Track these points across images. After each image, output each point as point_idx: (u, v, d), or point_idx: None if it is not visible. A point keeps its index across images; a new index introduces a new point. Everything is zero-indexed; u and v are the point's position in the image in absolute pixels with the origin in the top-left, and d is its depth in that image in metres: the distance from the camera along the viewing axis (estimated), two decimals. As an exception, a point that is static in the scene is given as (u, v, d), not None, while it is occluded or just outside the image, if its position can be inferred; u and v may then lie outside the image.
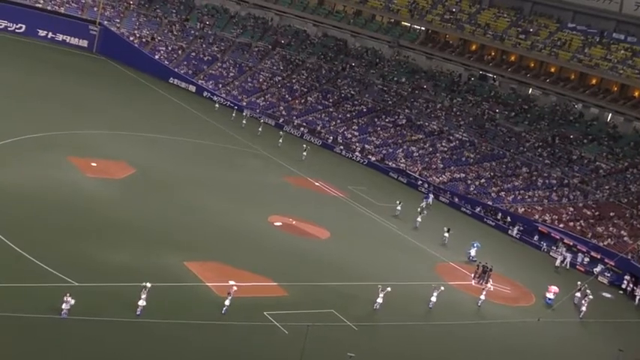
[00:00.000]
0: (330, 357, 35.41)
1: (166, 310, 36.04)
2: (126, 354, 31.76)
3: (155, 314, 34.91)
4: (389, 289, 42.67)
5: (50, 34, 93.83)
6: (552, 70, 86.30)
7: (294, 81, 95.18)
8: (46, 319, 32.32)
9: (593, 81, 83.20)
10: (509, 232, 66.85)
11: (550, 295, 52.15)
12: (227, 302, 37.34)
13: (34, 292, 34.54)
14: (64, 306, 32.60)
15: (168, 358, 32.41)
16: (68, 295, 32.78)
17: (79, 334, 32.19)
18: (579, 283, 54.11)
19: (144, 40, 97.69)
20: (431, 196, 69.99)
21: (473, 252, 56.69)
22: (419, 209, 62.91)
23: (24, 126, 58.18)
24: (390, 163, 78.98)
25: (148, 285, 34.82)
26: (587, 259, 62.56)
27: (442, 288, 45.58)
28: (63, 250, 39.51)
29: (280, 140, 75.47)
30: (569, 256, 62.48)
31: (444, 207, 70.87)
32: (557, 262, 61.36)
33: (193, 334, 34.89)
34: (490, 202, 71.35)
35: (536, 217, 68.34)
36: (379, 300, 42.40)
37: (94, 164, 54.64)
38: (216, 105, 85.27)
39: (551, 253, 63.76)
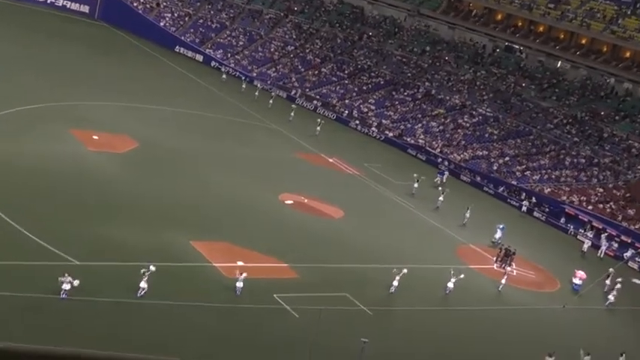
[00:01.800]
0: (343, 342, 35.58)
1: (171, 291, 36.29)
2: (127, 335, 32.01)
3: (159, 295, 35.16)
4: (405, 270, 42.73)
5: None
6: (583, 41, 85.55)
7: (307, 51, 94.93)
8: (44, 299, 32.67)
9: (627, 54, 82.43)
10: (522, 207, 67.64)
11: (577, 281, 52.09)
12: (239, 284, 37.51)
13: (33, 270, 34.87)
14: (63, 286, 32.85)
15: (171, 340, 32.68)
16: (67, 275, 33.04)
17: (79, 315, 32.52)
18: (611, 270, 53.72)
19: (148, 6, 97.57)
20: (446, 172, 69.90)
21: (498, 234, 56.65)
22: (439, 188, 62.84)
23: (22, 97, 58.38)
24: (408, 140, 78.82)
25: (152, 268, 35.00)
26: (615, 245, 62.40)
27: (462, 275, 45.45)
28: (63, 227, 39.82)
29: (292, 114, 75.41)
30: (604, 245, 62.00)
31: (465, 186, 70.77)
32: (585, 247, 61.11)
33: (199, 316, 35.15)
34: (514, 182, 71.19)
35: (563, 198, 68.18)
36: (395, 283, 42.51)
37: (95, 137, 54.87)
38: (224, 75, 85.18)
39: (578, 237, 63.60)
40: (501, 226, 57.21)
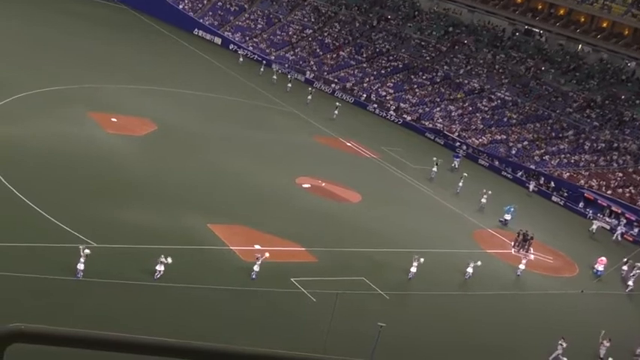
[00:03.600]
0: (360, 326, 35.39)
1: (188, 274, 36.22)
2: (144, 317, 32.00)
3: (176, 278, 35.11)
4: (422, 260, 42.34)
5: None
6: (604, 25, 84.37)
7: (325, 34, 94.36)
8: (61, 281, 32.69)
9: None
10: (527, 186, 68.01)
11: (600, 267, 51.55)
12: (256, 268, 37.38)
13: (52, 252, 34.90)
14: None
15: (187, 321, 32.59)
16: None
17: (94, 296, 32.54)
18: (625, 259, 53.31)
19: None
20: (461, 155, 69.36)
21: (508, 216, 56.26)
22: (455, 172, 62.41)
23: (41, 79, 58.44)
24: (426, 123, 78.29)
25: (168, 260, 34.88)
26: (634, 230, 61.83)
27: (479, 262, 45.03)
28: (82, 210, 39.79)
29: (309, 97, 75.00)
30: (620, 229, 61.44)
31: (483, 170, 70.28)
32: (593, 227, 60.51)
33: (215, 298, 35.09)
34: (533, 166, 70.58)
35: (582, 182, 67.53)
36: (413, 269, 42.20)
37: (114, 120, 54.83)
38: (240, 59, 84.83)
39: (600, 222, 62.79)
40: (510, 208, 56.67)
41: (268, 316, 35.23)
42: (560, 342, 37.98)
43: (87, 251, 33.28)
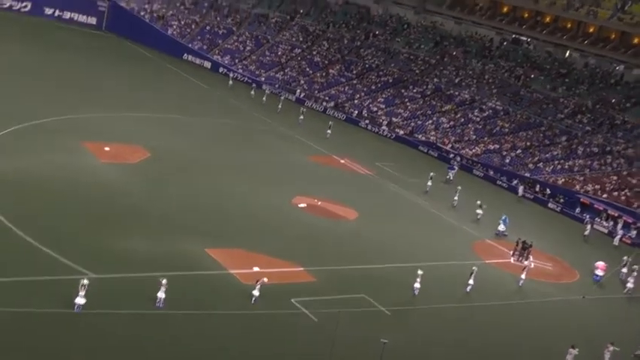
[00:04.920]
0: (362, 343, 35.27)
1: (188, 300, 36.06)
2: (145, 346, 31.83)
3: (176, 305, 34.93)
4: (420, 272, 42.26)
5: (57, 12, 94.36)
6: (591, 30, 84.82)
7: (314, 53, 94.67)
8: (61, 314, 32.48)
9: (635, 40, 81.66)
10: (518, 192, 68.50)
11: (599, 272, 51.52)
12: (256, 292, 37.16)
13: (49, 285, 34.69)
14: (79, 300, 32.80)
15: (191, 349, 32.45)
16: (82, 282, 32.94)
17: (96, 329, 32.30)
18: (625, 258, 53.59)
19: (155, 15, 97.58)
20: (456, 168, 69.45)
21: (502, 227, 56.27)
22: (450, 184, 62.44)
23: (34, 110, 58.42)
24: (419, 137, 78.43)
25: (163, 282, 34.72)
26: (634, 232, 61.87)
27: (475, 268, 45.01)
28: (78, 240, 39.61)
29: (301, 116, 75.14)
30: (619, 233, 61.47)
31: (478, 181, 70.36)
32: (586, 232, 60.61)
33: (217, 323, 34.91)
34: (527, 174, 70.68)
35: (577, 187, 67.60)
36: (417, 285, 41.99)
37: (107, 149, 54.80)
38: (230, 82, 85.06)
39: (594, 225, 62.86)
40: (503, 218, 56.71)
41: (271, 338, 35.06)
42: (570, 350, 37.77)
43: (85, 281, 33.06)
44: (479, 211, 58.25)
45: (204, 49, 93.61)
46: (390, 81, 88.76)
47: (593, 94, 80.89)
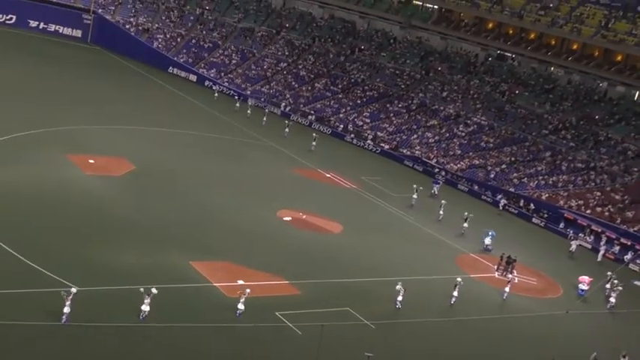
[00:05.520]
0: (347, 357, 35.34)
1: (172, 313, 36.01)
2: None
3: (161, 318, 34.88)
4: (398, 286, 42.22)
5: (42, 25, 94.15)
6: (575, 47, 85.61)
7: (300, 67, 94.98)
8: (46, 327, 32.35)
9: (619, 57, 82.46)
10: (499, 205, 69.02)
11: (583, 287, 51.74)
12: (241, 306, 37.14)
13: (33, 297, 34.55)
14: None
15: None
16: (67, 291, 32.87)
17: (81, 341, 32.20)
18: (609, 273, 53.81)
19: (141, 28, 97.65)
20: (440, 182, 69.73)
21: (488, 240, 56.54)
22: (435, 198, 62.69)
23: (18, 123, 58.26)
24: (404, 151, 78.75)
25: (154, 291, 34.75)
26: (616, 248, 62.23)
27: (459, 279, 45.30)
28: (63, 253, 39.52)
29: (286, 130, 75.34)
30: (603, 248, 61.77)
31: (463, 195, 70.65)
32: (572, 248, 60.86)
33: (201, 337, 34.87)
34: (512, 189, 71.06)
35: (561, 203, 68.02)
36: (399, 298, 42.13)
37: (91, 161, 54.69)
38: (215, 94, 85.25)
39: (578, 241, 63.12)
40: (490, 232, 57.02)
41: (255, 351, 35.06)
42: None
43: (73, 290, 32.97)
44: (465, 225, 58.49)
45: (189, 62, 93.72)
46: (376, 95, 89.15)
47: (577, 110, 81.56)
